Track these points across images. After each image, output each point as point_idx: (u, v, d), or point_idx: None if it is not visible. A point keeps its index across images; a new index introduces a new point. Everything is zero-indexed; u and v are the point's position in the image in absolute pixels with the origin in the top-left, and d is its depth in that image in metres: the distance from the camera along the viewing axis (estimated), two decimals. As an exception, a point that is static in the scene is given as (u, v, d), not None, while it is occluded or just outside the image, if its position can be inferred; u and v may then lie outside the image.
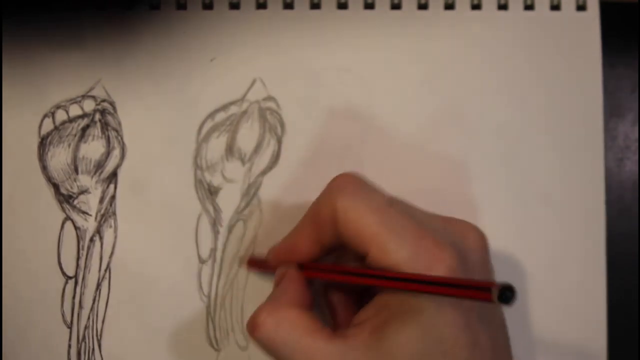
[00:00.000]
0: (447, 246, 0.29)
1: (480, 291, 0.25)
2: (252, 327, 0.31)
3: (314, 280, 0.33)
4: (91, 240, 0.37)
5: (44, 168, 0.38)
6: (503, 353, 0.31)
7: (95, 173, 0.38)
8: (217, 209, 0.38)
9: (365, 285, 0.31)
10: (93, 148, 0.38)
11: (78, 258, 0.37)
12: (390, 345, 0.29)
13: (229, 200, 0.38)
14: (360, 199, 0.31)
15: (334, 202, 0.31)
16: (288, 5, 0.38)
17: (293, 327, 0.30)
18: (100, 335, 0.37)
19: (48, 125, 0.38)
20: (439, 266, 0.29)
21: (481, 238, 0.32)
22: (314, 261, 0.33)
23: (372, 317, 0.30)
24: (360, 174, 0.32)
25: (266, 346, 0.31)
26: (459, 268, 0.29)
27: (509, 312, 0.37)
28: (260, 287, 0.38)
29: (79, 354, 0.37)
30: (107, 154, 0.38)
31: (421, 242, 0.29)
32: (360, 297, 0.33)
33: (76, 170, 0.38)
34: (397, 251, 0.29)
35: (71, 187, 0.38)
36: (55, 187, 0.38)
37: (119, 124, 0.38)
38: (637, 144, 0.39)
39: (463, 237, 0.31)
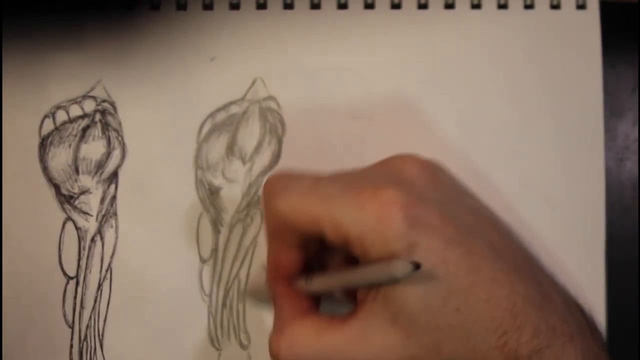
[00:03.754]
0: (386, 187, 0.29)
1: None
2: (275, 355, 0.31)
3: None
4: (92, 240, 0.38)
5: (45, 168, 0.38)
6: (499, 241, 0.31)
7: (96, 173, 0.38)
8: (217, 209, 0.38)
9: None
10: (94, 148, 0.38)
11: (79, 258, 0.38)
12: (397, 299, 0.29)
13: (229, 200, 0.38)
14: (290, 190, 0.30)
15: (273, 209, 0.31)
16: (288, 5, 0.38)
17: (305, 338, 0.31)
18: (102, 335, 0.37)
19: (48, 126, 0.38)
20: (390, 209, 0.28)
21: (416, 162, 0.32)
22: (309, 265, 0.33)
23: (372, 289, 0.30)
24: (283, 170, 0.33)
25: None
26: (410, 198, 0.29)
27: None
28: (261, 286, 0.38)
29: (80, 353, 0.37)
30: (108, 154, 0.38)
31: (360, 197, 0.29)
32: None
33: (77, 171, 0.38)
34: (345, 218, 0.29)
35: (72, 188, 0.38)
36: (56, 187, 0.38)
37: (120, 124, 0.38)
38: (637, 144, 0.39)
39: (400, 171, 0.31)
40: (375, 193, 0.29)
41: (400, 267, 0.27)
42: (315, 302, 0.33)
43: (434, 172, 0.32)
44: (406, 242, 0.28)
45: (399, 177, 0.30)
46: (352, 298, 0.32)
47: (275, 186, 0.31)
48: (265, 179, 0.38)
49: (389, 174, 0.31)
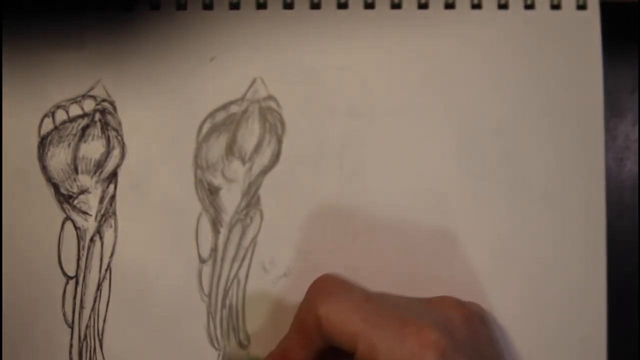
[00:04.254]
0: (432, 329, 0.30)
1: None
2: None
3: None
4: (91, 240, 0.37)
5: (44, 168, 0.38)
6: None
7: (95, 173, 0.38)
8: (217, 209, 0.38)
9: None
10: (93, 148, 0.38)
11: (78, 258, 0.37)
12: None
13: (229, 200, 0.38)
14: (338, 299, 0.31)
15: (315, 308, 0.31)
16: (288, 5, 0.38)
17: None
18: (102, 335, 0.37)
19: (48, 125, 0.38)
20: (427, 352, 0.29)
21: (463, 311, 0.32)
22: None
23: None
24: (337, 275, 0.33)
25: None
26: (449, 346, 0.29)
27: (509, 313, 0.37)
28: (261, 286, 0.38)
29: (80, 353, 0.37)
30: (107, 153, 0.38)
31: (404, 330, 0.30)
32: None
33: (76, 170, 0.38)
34: (382, 344, 0.29)
35: (71, 187, 0.38)
36: (55, 187, 0.38)
37: (119, 123, 0.38)
38: (637, 144, 0.39)
39: (446, 316, 0.32)
40: (419, 331, 0.29)
41: None
42: None
43: (475, 324, 0.33)
44: None
45: (443, 321, 0.31)
46: None
47: (325, 288, 0.32)
48: (264, 178, 0.38)
49: (435, 315, 0.31)
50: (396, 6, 0.38)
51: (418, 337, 0.29)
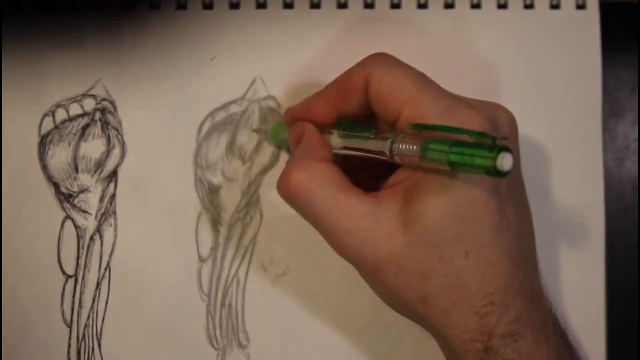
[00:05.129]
0: (479, 111, 0.30)
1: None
2: (285, 185, 0.31)
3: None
4: (91, 239, 0.37)
5: (44, 167, 0.38)
6: (528, 231, 0.32)
7: (95, 172, 0.38)
8: (217, 208, 0.38)
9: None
10: (93, 147, 0.38)
11: (78, 257, 0.37)
12: (421, 207, 0.29)
13: (229, 200, 0.38)
14: (396, 68, 0.31)
15: (369, 71, 0.31)
16: (288, 5, 0.38)
17: (327, 182, 0.30)
18: (101, 335, 0.37)
19: (48, 125, 0.38)
20: (471, 123, 0.29)
21: (511, 116, 0.32)
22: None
23: (404, 181, 0.30)
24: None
25: (299, 202, 0.31)
26: (491, 130, 0.29)
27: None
28: (260, 286, 0.38)
29: (79, 353, 0.37)
30: (108, 153, 0.38)
31: (454, 102, 0.30)
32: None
33: (76, 170, 0.38)
34: (430, 107, 0.29)
35: (71, 186, 0.38)
36: (56, 186, 0.38)
37: (120, 123, 0.38)
38: (637, 144, 0.39)
39: (495, 113, 0.31)
40: (469, 109, 0.29)
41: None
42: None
43: (516, 132, 0.32)
44: None
45: (491, 116, 0.31)
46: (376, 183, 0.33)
47: (382, 58, 0.32)
48: (264, 178, 0.38)
49: (486, 109, 0.31)
50: (396, 6, 0.39)
51: (468, 110, 0.29)
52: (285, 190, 0.31)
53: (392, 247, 0.29)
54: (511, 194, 0.31)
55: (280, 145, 0.37)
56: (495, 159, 0.25)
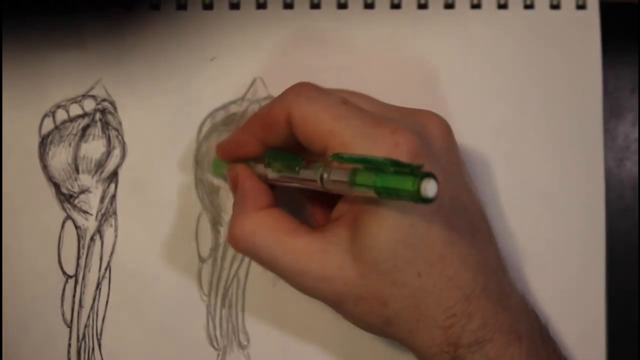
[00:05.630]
0: (405, 131, 0.29)
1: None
2: (232, 241, 0.32)
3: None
4: (91, 239, 0.37)
5: (45, 167, 0.38)
6: (482, 232, 0.32)
7: (95, 172, 0.38)
8: (217, 208, 0.38)
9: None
10: (93, 147, 0.38)
11: (78, 257, 0.37)
12: (365, 239, 0.29)
13: (229, 199, 0.38)
14: (315, 100, 0.31)
15: (290, 105, 0.31)
16: (288, 5, 0.38)
17: (269, 229, 0.31)
18: (100, 335, 0.37)
19: (48, 125, 0.38)
20: (399, 150, 0.28)
21: (443, 125, 0.32)
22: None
23: (347, 212, 0.31)
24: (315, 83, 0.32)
25: (250, 254, 0.32)
26: (422, 151, 0.29)
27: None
28: (260, 286, 0.38)
29: (78, 353, 0.37)
30: (108, 153, 0.38)
31: (378, 130, 0.29)
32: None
33: (77, 170, 0.38)
34: (354, 137, 0.29)
35: (72, 187, 0.38)
36: (56, 186, 0.38)
37: (120, 123, 0.38)
38: (637, 144, 0.39)
39: (424, 126, 0.31)
40: (393, 132, 0.29)
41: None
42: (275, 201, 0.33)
43: (452, 141, 0.32)
44: None
45: (420, 130, 0.30)
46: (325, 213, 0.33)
47: (302, 90, 0.32)
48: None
49: (414, 123, 0.31)
50: (396, 6, 0.38)
51: (392, 137, 0.29)
52: (234, 245, 0.32)
53: (345, 280, 0.30)
54: (455, 202, 0.30)
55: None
56: (418, 186, 0.25)
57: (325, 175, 0.29)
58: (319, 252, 0.30)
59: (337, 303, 0.31)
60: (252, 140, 0.33)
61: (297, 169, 0.31)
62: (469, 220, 0.31)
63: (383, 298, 0.30)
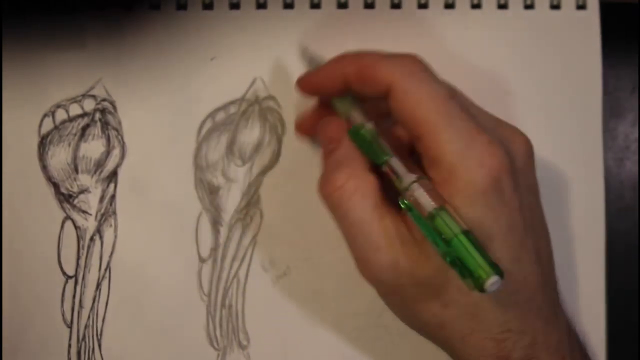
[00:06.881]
0: (500, 145, 0.29)
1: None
2: (329, 186, 0.31)
3: None
4: (91, 239, 0.37)
5: (44, 167, 0.38)
6: (545, 255, 0.32)
7: (95, 172, 0.38)
8: (217, 208, 0.38)
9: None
10: (93, 147, 0.38)
11: (78, 257, 0.37)
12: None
13: (229, 200, 0.38)
14: (424, 83, 0.30)
15: (396, 74, 0.30)
16: (288, 5, 0.38)
17: (369, 194, 0.30)
18: (100, 335, 0.37)
19: (48, 125, 0.38)
20: (491, 161, 0.29)
21: (527, 144, 0.32)
22: None
23: None
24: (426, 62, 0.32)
25: (339, 207, 0.31)
26: (509, 168, 0.29)
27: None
28: (260, 286, 0.38)
29: (78, 353, 0.37)
30: (107, 153, 0.38)
31: (476, 137, 0.29)
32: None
33: (76, 170, 0.38)
34: (450, 142, 0.29)
35: (71, 187, 0.38)
36: (55, 186, 0.38)
37: (119, 123, 0.38)
38: (637, 144, 0.39)
39: (512, 142, 0.31)
40: (490, 143, 0.29)
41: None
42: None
43: (532, 161, 0.32)
44: (488, 197, 0.29)
45: (508, 145, 0.31)
46: None
47: (416, 69, 0.31)
48: (264, 178, 0.38)
49: (502, 136, 0.31)
50: (396, 6, 0.38)
51: (486, 147, 0.29)
52: (327, 193, 0.31)
53: (416, 273, 0.30)
54: (527, 223, 0.31)
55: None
56: (488, 276, 0.26)
57: (410, 194, 0.29)
58: (403, 237, 0.30)
59: (395, 291, 0.31)
60: (341, 80, 0.32)
61: (384, 160, 0.31)
62: (535, 240, 0.31)
63: (446, 300, 0.30)
